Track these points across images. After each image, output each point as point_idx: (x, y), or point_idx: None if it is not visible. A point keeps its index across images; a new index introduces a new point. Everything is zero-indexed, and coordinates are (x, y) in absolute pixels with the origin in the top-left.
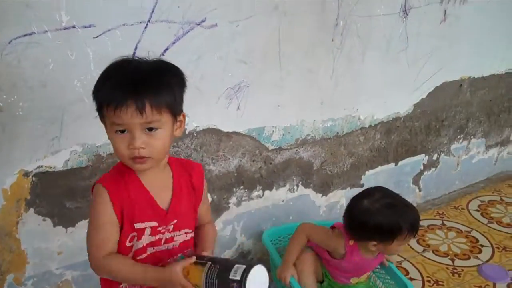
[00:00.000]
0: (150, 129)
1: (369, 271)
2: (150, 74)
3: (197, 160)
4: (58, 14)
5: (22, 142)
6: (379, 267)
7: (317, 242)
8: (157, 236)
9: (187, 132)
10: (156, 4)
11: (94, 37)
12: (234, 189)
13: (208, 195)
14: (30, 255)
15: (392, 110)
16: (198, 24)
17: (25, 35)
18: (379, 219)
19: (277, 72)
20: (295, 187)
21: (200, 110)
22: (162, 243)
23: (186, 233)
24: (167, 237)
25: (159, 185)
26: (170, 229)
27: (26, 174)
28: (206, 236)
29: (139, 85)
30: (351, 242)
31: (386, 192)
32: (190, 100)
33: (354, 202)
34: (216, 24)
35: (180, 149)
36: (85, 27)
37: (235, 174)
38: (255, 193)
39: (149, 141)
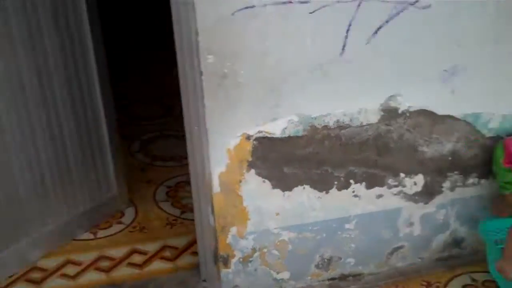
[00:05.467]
0: None
1: None
2: None
3: (410, 141)
4: None
5: (244, 108)
6: None
7: None
8: None
9: (399, 112)
10: None
11: (310, 13)
12: (448, 174)
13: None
14: (251, 213)
15: None
16: (412, 4)
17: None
18: None
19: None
20: None
21: (413, 91)
22: None
23: None
24: None
25: None
26: None
27: (248, 137)
28: None
29: None
30: None
31: None
32: (402, 80)
33: None
34: (430, 5)
35: (392, 128)
36: (301, 3)
37: (449, 159)
38: (470, 180)
39: None
